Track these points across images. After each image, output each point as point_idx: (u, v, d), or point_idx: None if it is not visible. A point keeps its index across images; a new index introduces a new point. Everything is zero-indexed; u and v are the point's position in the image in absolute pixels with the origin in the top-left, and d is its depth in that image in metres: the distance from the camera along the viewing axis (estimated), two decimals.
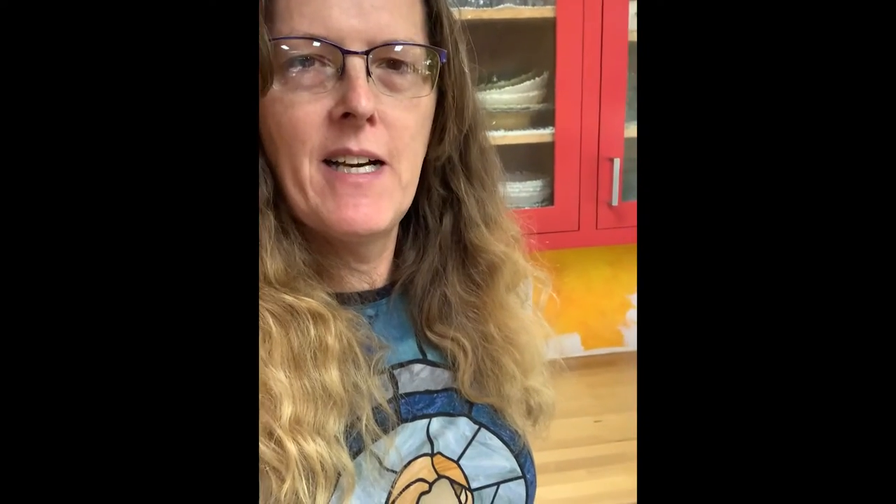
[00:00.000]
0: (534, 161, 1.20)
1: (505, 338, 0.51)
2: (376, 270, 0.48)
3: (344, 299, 0.44)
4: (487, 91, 1.13)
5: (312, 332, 0.40)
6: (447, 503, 0.46)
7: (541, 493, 0.96)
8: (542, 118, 1.14)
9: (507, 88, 1.13)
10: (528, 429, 0.53)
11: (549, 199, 1.16)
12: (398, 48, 0.41)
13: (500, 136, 1.13)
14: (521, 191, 1.16)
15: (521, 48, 1.16)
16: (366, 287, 0.48)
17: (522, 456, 0.51)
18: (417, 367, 0.48)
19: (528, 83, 1.13)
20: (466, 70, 0.46)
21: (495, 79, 1.15)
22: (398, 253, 0.50)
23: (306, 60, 0.40)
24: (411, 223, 0.50)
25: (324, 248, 0.45)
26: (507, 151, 1.19)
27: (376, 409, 0.43)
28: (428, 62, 0.43)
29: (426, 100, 0.44)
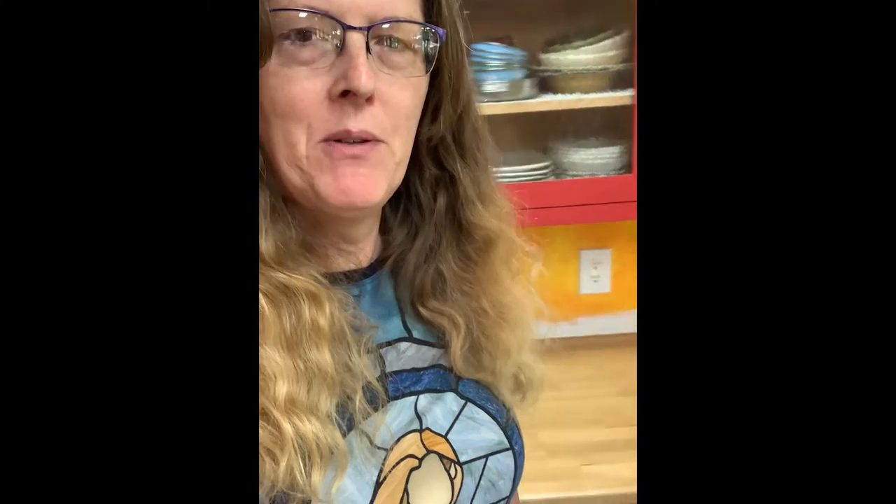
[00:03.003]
0: (611, 126, 1.14)
1: (499, 313, 0.51)
2: (363, 251, 0.48)
3: (331, 279, 0.44)
4: (563, 52, 1.08)
5: (306, 312, 0.41)
6: (437, 478, 0.47)
7: (610, 470, 0.95)
8: (621, 79, 1.08)
9: (583, 48, 1.07)
10: (517, 403, 0.53)
11: (627, 167, 1.10)
12: (398, 25, 0.41)
13: (575, 100, 1.07)
14: (596, 157, 1.11)
15: (598, 5, 1.10)
16: (352, 267, 0.48)
17: (510, 428, 0.51)
18: (403, 345, 0.49)
19: (606, 42, 1.07)
20: (464, 49, 0.46)
21: (571, 38, 1.09)
22: (385, 232, 0.51)
23: (305, 34, 0.39)
24: (401, 202, 0.50)
25: (312, 227, 0.45)
26: (582, 115, 1.14)
27: (366, 388, 0.43)
28: (426, 41, 0.43)
29: (422, 79, 0.44)
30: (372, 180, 0.41)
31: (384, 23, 0.40)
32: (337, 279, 0.45)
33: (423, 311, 0.50)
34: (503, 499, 0.51)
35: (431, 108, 0.46)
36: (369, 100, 0.40)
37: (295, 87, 0.39)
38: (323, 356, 0.41)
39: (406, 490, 0.45)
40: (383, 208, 0.49)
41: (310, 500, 0.39)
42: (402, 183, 0.46)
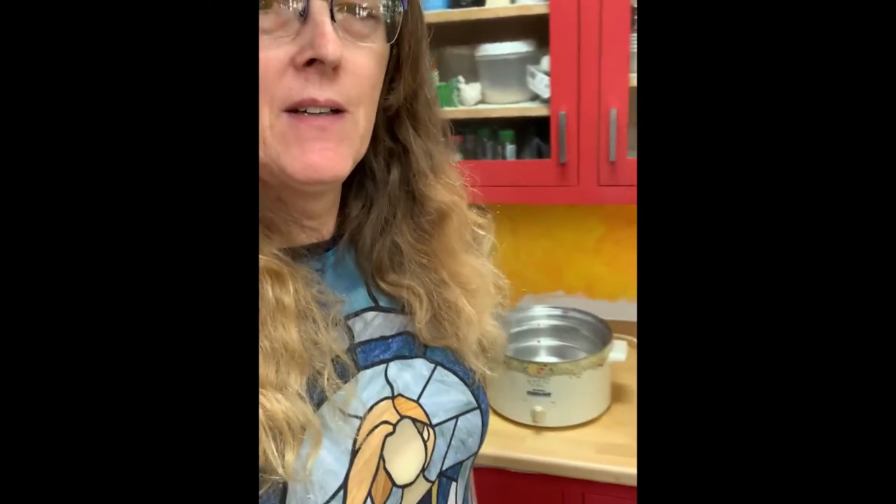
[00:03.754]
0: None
1: (459, 283, 0.52)
2: (325, 225, 0.48)
3: (293, 255, 0.44)
4: None
5: (270, 292, 0.40)
6: (411, 441, 0.47)
7: None
8: None
9: None
10: (482, 366, 0.54)
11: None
12: None
13: None
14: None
15: None
16: (314, 241, 0.48)
17: (476, 388, 0.53)
18: (370, 314, 0.49)
19: None
20: (423, 19, 0.46)
21: None
22: (342, 205, 0.50)
23: (267, 2, 0.38)
24: (356, 175, 0.49)
25: (274, 203, 0.44)
26: None
27: (335, 361, 0.43)
28: (390, 9, 0.42)
29: (384, 48, 0.43)
30: (338, 154, 0.40)
31: None
32: (299, 254, 0.45)
33: (383, 284, 0.50)
34: (472, 455, 0.53)
35: (389, 78, 0.46)
36: (335, 69, 0.39)
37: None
38: (290, 335, 0.40)
39: (382, 455, 0.45)
40: None
41: (286, 481, 0.39)
42: None
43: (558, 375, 1.08)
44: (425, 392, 0.49)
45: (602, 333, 1.19)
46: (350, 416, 0.44)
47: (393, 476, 0.46)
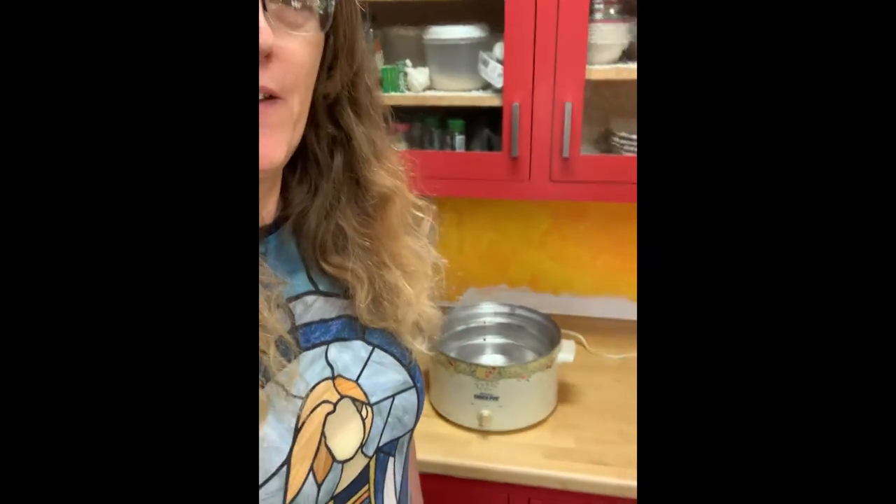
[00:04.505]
0: None
1: (399, 265, 0.54)
2: (265, 208, 0.49)
3: None
4: None
5: None
6: (350, 419, 0.50)
7: None
8: None
9: None
10: (418, 345, 0.57)
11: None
12: None
13: None
14: None
15: None
16: None
17: (412, 368, 0.56)
18: (310, 298, 0.50)
19: None
20: (358, 8, 0.47)
21: None
22: (284, 190, 0.51)
23: None
24: (298, 161, 0.50)
25: None
26: None
27: (279, 341, 0.44)
28: (322, 0, 0.43)
29: (318, 36, 0.44)
30: (273, 141, 0.41)
31: None
32: None
33: (326, 266, 0.51)
34: (408, 431, 0.56)
35: (327, 66, 0.47)
36: (268, 56, 0.39)
37: None
38: None
39: (323, 433, 0.47)
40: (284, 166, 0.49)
41: None
42: (300, 142, 0.46)
43: (507, 379, 1.04)
44: (364, 373, 0.51)
45: (550, 332, 1.17)
46: (293, 395, 0.46)
47: (333, 452, 0.48)
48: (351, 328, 0.52)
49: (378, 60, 1.18)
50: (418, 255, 0.57)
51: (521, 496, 1.03)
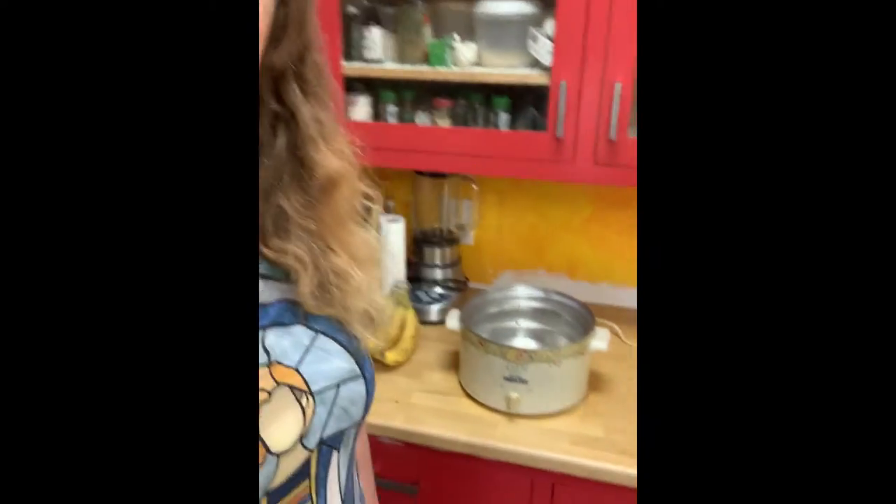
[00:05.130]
0: None
1: (348, 252, 0.52)
2: None
3: None
4: None
5: None
6: (288, 408, 0.47)
7: None
8: None
9: None
10: (368, 336, 0.54)
11: None
12: None
13: None
14: None
15: None
16: None
17: (360, 357, 0.53)
18: None
19: None
20: None
21: None
22: None
23: None
24: None
25: None
26: None
27: None
28: None
29: (269, 3, 0.42)
30: None
31: None
32: None
33: (266, 251, 0.49)
34: (355, 423, 0.53)
35: (275, 38, 0.45)
36: None
37: None
38: None
39: None
40: None
41: None
42: None
43: (537, 363, 1.03)
44: (305, 360, 0.49)
45: (584, 320, 1.14)
46: None
47: (268, 443, 0.45)
48: (292, 313, 0.49)
49: (426, 34, 1.17)
50: (367, 243, 0.54)
51: (545, 482, 1.02)
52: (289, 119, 0.48)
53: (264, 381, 0.46)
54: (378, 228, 1.28)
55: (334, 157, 0.49)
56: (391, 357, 1.18)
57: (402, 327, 1.21)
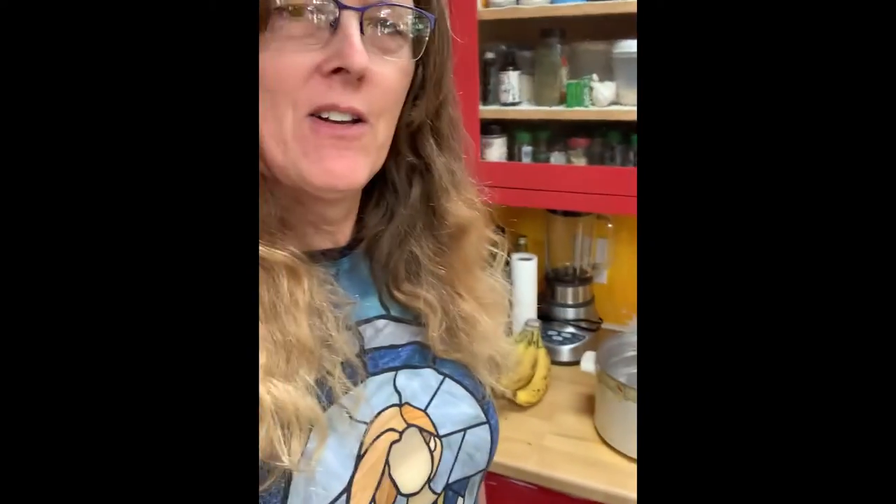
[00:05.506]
0: None
1: (475, 297, 0.52)
2: (341, 231, 0.49)
3: (308, 257, 0.44)
4: None
5: (284, 286, 0.41)
6: (417, 450, 0.47)
7: None
8: None
9: None
10: (493, 382, 0.54)
11: None
12: (391, 8, 0.42)
13: None
14: None
15: None
16: (329, 246, 0.48)
17: (486, 403, 0.53)
18: (381, 322, 0.49)
19: None
20: (450, 38, 0.47)
21: None
22: (361, 214, 0.51)
23: (299, 9, 0.39)
24: (376, 186, 0.50)
25: (292, 205, 0.45)
26: None
27: (345, 363, 0.43)
28: (417, 26, 0.43)
29: (410, 64, 0.44)
30: (356, 163, 0.42)
31: (379, 5, 0.41)
32: (314, 257, 0.45)
33: (398, 294, 0.50)
34: (480, 471, 0.52)
35: (413, 95, 0.47)
36: (360, 79, 0.40)
37: (285, 59, 0.39)
38: (301, 329, 0.41)
39: (387, 462, 0.45)
40: (362, 190, 0.50)
41: (291, 471, 0.39)
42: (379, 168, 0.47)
43: None
44: (433, 402, 0.49)
45: None
46: (357, 420, 0.44)
47: (398, 484, 0.46)
48: (422, 355, 0.50)
49: (563, 75, 1.18)
50: (494, 289, 0.55)
51: None
52: (424, 171, 0.50)
53: (396, 421, 0.46)
54: (504, 273, 1.30)
55: (465, 206, 0.51)
56: (523, 397, 1.17)
57: (534, 367, 1.19)
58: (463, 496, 0.52)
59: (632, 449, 1.03)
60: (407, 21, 0.42)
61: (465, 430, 0.50)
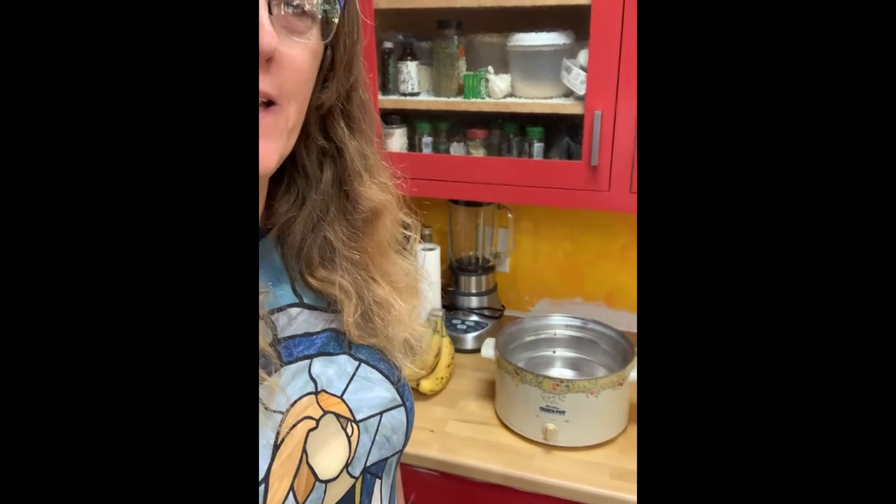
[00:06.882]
0: None
1: (390, 282, 0.53)
2: None
3: None
4: None
5: None
6: (335, 436, 0.48)
7: None
8: None
9: None
10: (407, 364, 0.55)
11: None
12: None
13: None
14: None
15: None
16: None
17: (401, 386, 0.54)
18: (294, 310, 0.49)
19: None
20: (360, 20, 0.47)
21: None
22: (270, 200, 0.50)
23: None
24: (286, 171, 0.49)
25: None
26: None
27: (259, 354, 0.43)
28: (324, 7, 0.42)
29: (319, 45, 0.43)
30: (266, 148, 0.40)
31: None
32: None
33: (312, 280, 0.50)
34: (397, 452, 0.53)
35: (323, 77, 0.46)
36: (269, 60, 0.39)
37: None
38: None
39: (304, 450, 0.45)
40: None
41: None
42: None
43: (574, 393, 1.01)
44: (349, 388, 0.50)
45: (623, 350, 1.12)
46: (272, 410, 0.44)
47: (316, 471, 0.46)
48: (337, 342, 0.50)
49: (461, 67, 1.19)
50: (407, 272, 0.56)
51: None
52: (335, 154, 0.49)
53: (312, 409, 0.46)
54: (416, 257, 1.30)
55: (378, 189, 0.51)
56: (426, 385, 1.18)
57: (438, 355, 1.21)
58: (381, 478, 0.53)
59: (528, 430, 1.06)
60: (314, 1, 0.41)
61: (381, 413, 0.51)
